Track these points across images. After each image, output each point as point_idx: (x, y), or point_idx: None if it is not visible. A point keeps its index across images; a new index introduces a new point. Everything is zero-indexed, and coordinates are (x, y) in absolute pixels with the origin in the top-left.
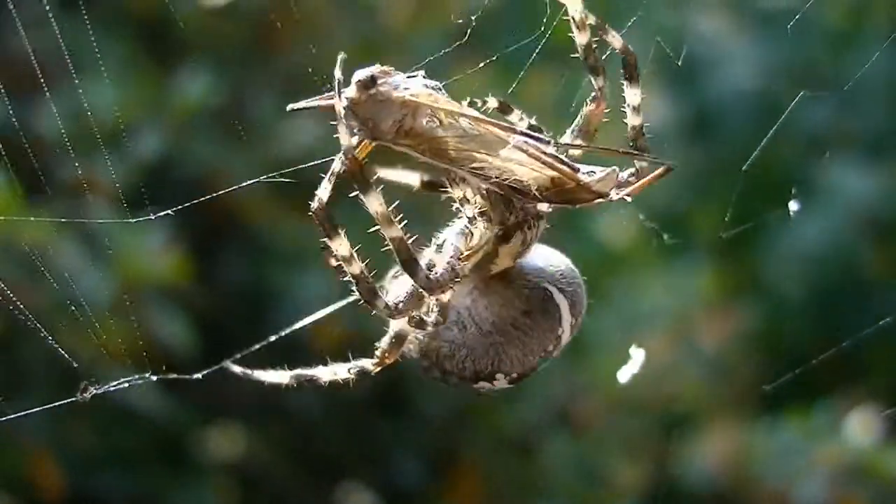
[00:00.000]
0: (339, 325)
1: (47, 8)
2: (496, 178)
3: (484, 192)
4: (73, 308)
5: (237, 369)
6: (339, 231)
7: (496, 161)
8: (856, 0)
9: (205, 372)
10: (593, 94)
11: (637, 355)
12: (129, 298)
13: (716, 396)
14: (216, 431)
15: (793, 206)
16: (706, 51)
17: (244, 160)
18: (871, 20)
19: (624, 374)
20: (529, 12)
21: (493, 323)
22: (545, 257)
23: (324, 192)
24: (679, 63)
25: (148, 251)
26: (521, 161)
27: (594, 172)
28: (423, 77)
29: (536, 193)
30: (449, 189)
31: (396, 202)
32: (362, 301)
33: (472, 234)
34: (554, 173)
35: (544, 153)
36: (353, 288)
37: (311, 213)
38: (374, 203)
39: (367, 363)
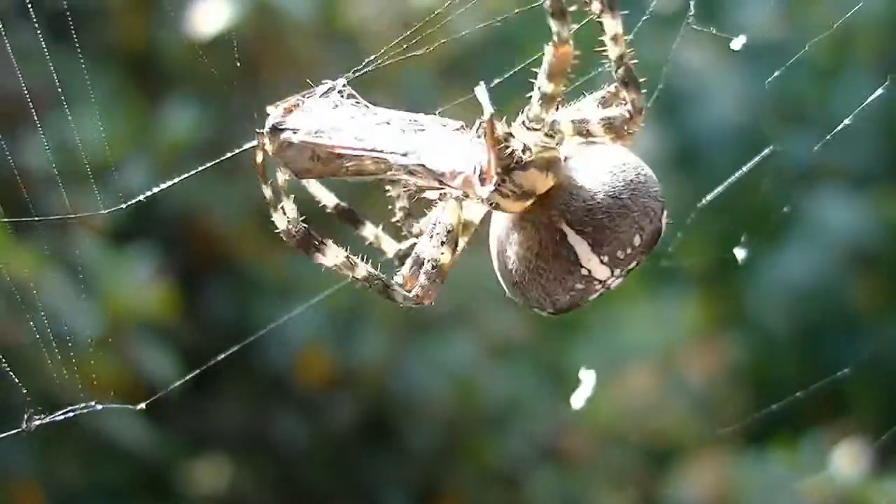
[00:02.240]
0: (325, 359)
1: (41, 38)
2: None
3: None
4: (68, 340)
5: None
6: (326, 243)
7: (393, 173)
8: (840, 34)
9: (148, 401)
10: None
11: (587, 378)
12: (115, 332)
13: (702, 429)
14: (201, 464)
15: (739, 253)
16: (690, 84)
17: (231, 194)
18: (856, 54)
19: (577, 399)
20: (510, 45)
21: (514, 262)
22: (596, 186)
23: (281, 222)
24: (664, 96)
25: (134, 285)
26: (402, 170)
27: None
28: (336, 90)
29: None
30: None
31: None
32: (383, 296)
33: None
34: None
35: (411, 164)
36: (370, 290)
37: (293, 248)
38: (332, 258)
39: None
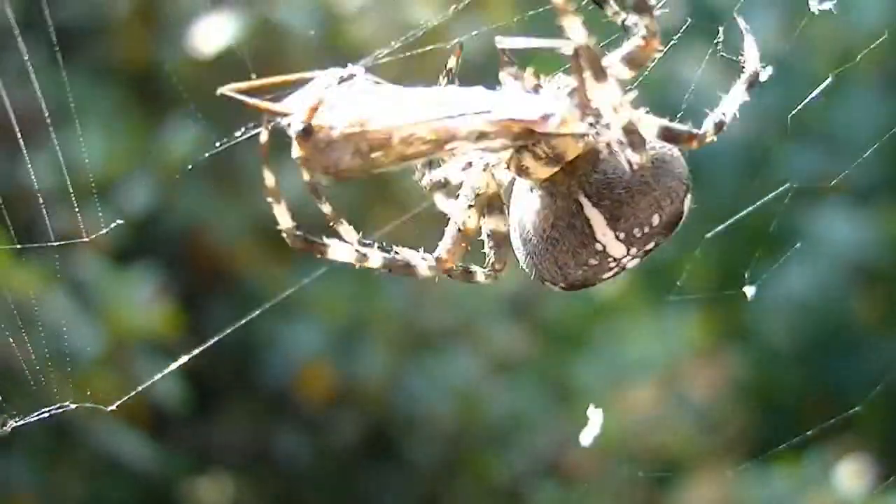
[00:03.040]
0: (327, 376)
1: (28, 61)
2: (468, 149)
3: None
4: (71, 359)
5: None
6: (326, 245)
7: (456, 142)
8: (841, 48)
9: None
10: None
11: (595, 416)
12: (117, 351)
13: (705, 445)
14: (205, 481)
15: (749, 291)
16: (692, 99)
17: (233, 212)
18: (858, 68)
19: (586, 437)
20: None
21: (529, 232)
22: (619, 160)
23: (283, 220)
24: (667, 113)
25: (137, 303)
26: (475, 133)
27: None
28: (360, 76)
29: (508, 143)
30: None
31: None
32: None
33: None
34: (514, 129)
35: (491, 121)
36: (392, 273)
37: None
38: (341, 255)
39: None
